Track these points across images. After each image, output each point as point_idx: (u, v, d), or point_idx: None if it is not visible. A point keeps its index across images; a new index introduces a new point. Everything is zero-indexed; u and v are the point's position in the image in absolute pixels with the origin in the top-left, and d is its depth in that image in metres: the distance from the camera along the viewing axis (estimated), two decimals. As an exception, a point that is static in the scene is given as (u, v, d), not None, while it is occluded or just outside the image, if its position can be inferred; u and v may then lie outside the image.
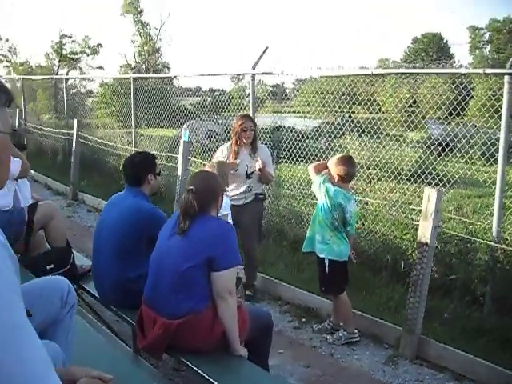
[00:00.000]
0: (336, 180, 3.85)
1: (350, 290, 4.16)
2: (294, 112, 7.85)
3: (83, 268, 3.88)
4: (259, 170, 4.54)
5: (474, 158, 4.76)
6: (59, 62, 31.93)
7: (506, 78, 3.93)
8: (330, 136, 6.02)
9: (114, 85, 11.89)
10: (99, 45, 33.46)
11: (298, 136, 6.24)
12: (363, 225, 5.35)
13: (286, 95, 7.11)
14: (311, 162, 4.59)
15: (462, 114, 4.84)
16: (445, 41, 48.34)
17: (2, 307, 1.03)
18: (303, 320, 4.40)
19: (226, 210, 3.88)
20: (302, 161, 5.99)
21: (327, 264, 3.90)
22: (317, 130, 6.52)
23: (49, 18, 59.22)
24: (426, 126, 6.39)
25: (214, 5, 72.49)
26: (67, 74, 15.90)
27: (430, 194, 3.63)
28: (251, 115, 5.60)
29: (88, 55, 33.39)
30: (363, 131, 5.66)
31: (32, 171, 9.61)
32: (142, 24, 36.82)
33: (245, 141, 4.59)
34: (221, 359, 2.63)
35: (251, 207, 4.68)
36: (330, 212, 3.84)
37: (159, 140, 8.86)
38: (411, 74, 5.14)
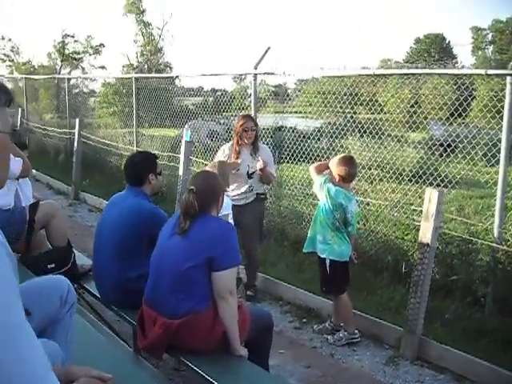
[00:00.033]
0: (337, 180, 3.85)
1: (351, 290, 4.15)
2: (295, 112, 7.84)
3: (84, 267, 3.88)
4: (260, 170, 4.54)
5: (476, 158, 4.76)
6: (61, 61, 32.02)
7: (508, 78, 3.92)
8: (331, 136, 6.01)
9: (116, 85, 11.91)
10: (101, 44, 33.57)
11: (299, 136, 6.24)
12: (364, 225, 5.34)
13: (287, 95, 7.10)
14: (313, 163, 4.59)
15: (464, 114, 4.84)
16: (447, 41, 48.30)
17: (1, 307, 1.03)
18: (304, 320, 4.39)
19: (227, 210, 3.88)
20: (303, 161, 5.99)
21: (328, 264, 3.90)
22: (318, 131, 6.52)
23: (50, 18, 59.38)
24: (427, 127, 6.38)
25: (216, 5, 72.55)
26: (69, 73, 15.94)
27: (431, 195, 3.62)
28: (253, 115, 5.60)
29: (90, 55, 33.49)
30: (364, 131, 5.65)
31: (34, 171, 9.62)
32: (144, 24, 36.87)
33: (246, 141, 4.59)
34: (221, 359, 2.63)
35: (252, 207, 4.68)
36: (332, 212, 3.83)
37: (161, 140, 8.87)
38: (413, 74, 5.14)
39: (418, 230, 4.08)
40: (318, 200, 4.06)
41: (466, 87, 4.69)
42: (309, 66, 5.75)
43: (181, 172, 5.94)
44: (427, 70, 5.00)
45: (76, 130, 9.04)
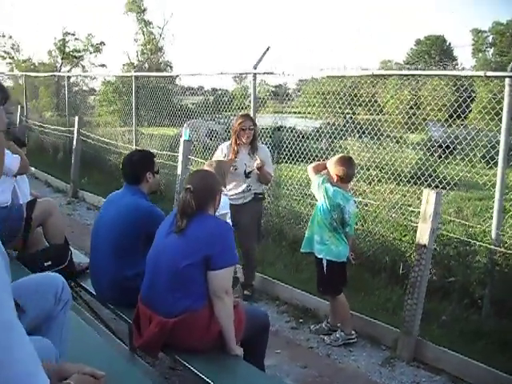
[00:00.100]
0: (335, 180, 3.84)
1: (349, 290, 4.15)
2: (294, 112, 7.84)
3: (81, 265, 3.88)
4: (257, 169, 4.53)
5: (475, 160, 4.75)
6: (62, 59, 31.97)
7: (507, 80, 3.92)
8: (330, 137, 6.01)
9: (116, 83, 11.91)
10: (102, 43, 33.52)
11: (298, 136, 6.24)
12: (362, 226, 5.34)
13: (287, 95, 7.10)
14: (311, 163, 4.59)
15: (463, 116, 4.84)
16: (448, 43, 48.32)
17: None
18: (301, 320, 4.39)
19: (224, 209, 3.88)
20: (302, 161, 5.99)
21: (325, 264, 3.89)
22: (317, 131, 6.52)
23: (51, 16, 59.25)
24: (426, 128, 6.39)
25: (216, 5, 72.56)
26: (69, 71, 15.93)
27: (428, 196, 3.62)
28: (252, 115, 5.59)
29: (91, 53, 33.43)
30: (363, 132, 5.65)
31: (32, 168, 9.63)
32: (145, 23, 36.82)
33: (244, 140, 4.59)
34: (217, 358, 2.63)
35: (250, 207, 4.68)
36: (329, 212, 3.83)
37: (160, 138, 8.87)
38: (413, 75, 5.14)
39: (415, 231, 4.07)
40: (316, 200, 4.06)
41: (465, 89, 4.69)
42: (308, 66, 5.75)
43: (179, 171, 5.93)
44: (427, 72, 5.00)
45: (75, 128, 9.04)
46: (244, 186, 4.65)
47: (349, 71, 5.36)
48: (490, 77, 4.15)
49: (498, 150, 4.07)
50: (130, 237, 3.09)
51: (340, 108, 5.78)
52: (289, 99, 7.09)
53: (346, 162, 3.85)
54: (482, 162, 4.79)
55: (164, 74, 15.59)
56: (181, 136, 6.25)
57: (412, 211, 5.00)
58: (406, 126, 5.43)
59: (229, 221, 3.92)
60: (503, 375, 3.32)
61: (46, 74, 15.59)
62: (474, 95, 5.21)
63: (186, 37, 69.75)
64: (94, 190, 8.64)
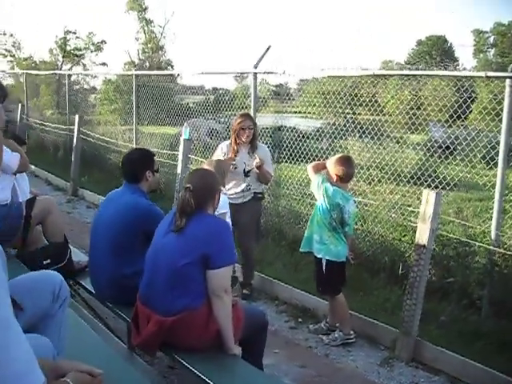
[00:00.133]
0: (335, 180, 3.84)
1: (347, 290, 4.15)
2: (295, 112, 7.84)
3: (80, 264, 3.88)
4: (257, 167, 4.53)
5: (475, 161, 4.75)
6: (63, 57, 31.95)
7: (508, 81, 3.92)
8: (330, 137, 6.01)
9: (116, 82, 11.91)
10: (103, 41, 33.50)
11: (298, 136, 6.24)
12: (362, 226, 5.34)
13: (287, 95, 7.10)
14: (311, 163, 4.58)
15: (464, 116, 4.83)
16: (449, 44, 48.29)
17: None
18: (299, 320, 4.39)
19: (224, 208, 3.87)
20: (302, 161, 5.98)
21: (324, 264, 3.89)
22: (317, 131, 6.51)
23: (52, 15, 59.23)
24: (426, 129, 6.38)
25: (217, 4, 72.50)
26: (70, 69, 15.93)
27: (428, 196, 3.62)
28: (252, 114, 5.59)
29: (92, 52, 33.40)
30: (363, 132, 5.65)
31: (32, 166, 9.63)
32: (146, 21, 36.84)
33: (243, 139, 4.58)
34: (215, 357, 2.62)
35: (249, 206, 4.67)
36: (329, 212, 3.83)
37: (160, 137, 8.87)
38: (414, 75, 5.14)
39: (415, 231, 4.07)
40: (316, 200, 4.06)
41: (466, 89, 4.69)
42: (309, 66, 5.75)
43: (179, 170, 5.93)
44: (427, 72, 4.99)
45: (75, 127, 9.04)
46: (244, 185, 4.65)
47: (349, 71, 5.35)
48: (490, 77, 4.14)
49: (498, 151, 4.07)
50: (129, 235, 3.09)
51: (340, 108, 5.78)
52: (289, 99, 7.09)
53: (346, 162, 3.85)
54: (482, 162, 4.79)
55: (164, 72, 15.58)
56: (181, 135, 6.25)
57: (412, 211, 4.99)
58: (406, 127, 5.43)
59: (228, 220, 3.91)
60: (501, 376, 3.31)
61: (46, 73, 15.59)
62: (474, 96, 5.20)
63: (187, 36, 69.78)
64: (94, 189, 8.64)
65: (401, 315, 3.81)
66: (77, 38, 32.76)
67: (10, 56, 31.57)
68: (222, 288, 2.55)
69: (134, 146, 8.55)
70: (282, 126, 6.64)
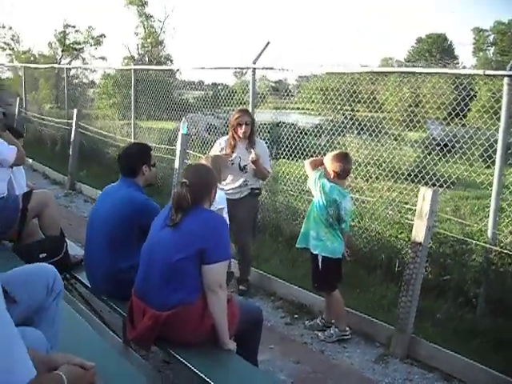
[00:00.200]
0: (332, 176, 3.83)
1: (344, 287, 4.15)
2: (293, 108, 7.83)
3: (76, 257, 3.87)
4: (252, 163, 4.51)
5: (472, 159, 4.75)
6: (62, 51, 31.89)
7: (506, 79, 3.92)
8: (328, 133, 6.00)
9: (115, 76, 11.87)
10: (102, 35, 33.43)
11: (297, 132, 6.23)
12: (359, 223, 5.34)
13: (286, 91, 7.08)
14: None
15: (462, 114, 4.82)
16: (449, 42, 48.21)
17: None
18: (295, 316, 4.39)
19: (221, 203, 3.86)
20: (300, 157, 5.98)
21: (321, 261, 3.90)
22: (316, 127, 6.50)
23: (52, 8, 59.02)
24: (425, 126, 6.37)
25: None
26: (69, 63, 15.88)
27: (425, 194, 3.62)
28: (250, 110, 5.58)
29: (91, 46, 33.36)
30: (362, 129, 5.64)
31: (30, 160, 9.61)
32: (145, 16, 36.73)
33: (240, 135, 4.57)
34: (210, 352, 2.62)
35: (246, 202, 4.67)
36: (325, 208, 3.82)
37: (158, 132, 8.85)
38: (413, 73, 5.13)
39: (412, 228, 4.08)
40: (313, 196, 4.05)
41: (464, 87, 4.68)
42: (308, 63, 5.74)
43: (176, 165, 5.92)
44: (426, 69, 4.99)
45: (73, 121, 9.02)
46: (241, 180, 4.64)
47: (348, 68, 5.34)
48: (488, 75, 4.14)
49: (496, 149, 4.07)
50: (125, 229, 3.08)
51: (339, 105, 5.77)
52: (288, 95, 7.08)
53: (343, 158, 3.84)
54: (480, 160, 4.79)
55: (163, 67, 15.54)
56: (179, 130, 6.24)
57: (409, 209, 5.00)
58: (404, 124, 5.42)
59: (226, 216, 3.90)
60: (496, 374, 3.32)
61: (45, 66, 15.53)
62: (473, 94, 5.20)
63: (187, 31, 69.62)
64: (92, 183, 8.62)
65: (396, 312, 3.82)
66: (76, 31, 32.74)
67: (9, 49, 31.54)
68: (217, 283, 2.55)
69: (132, 140, 8.54)
70: (280, 122, 6.63)
